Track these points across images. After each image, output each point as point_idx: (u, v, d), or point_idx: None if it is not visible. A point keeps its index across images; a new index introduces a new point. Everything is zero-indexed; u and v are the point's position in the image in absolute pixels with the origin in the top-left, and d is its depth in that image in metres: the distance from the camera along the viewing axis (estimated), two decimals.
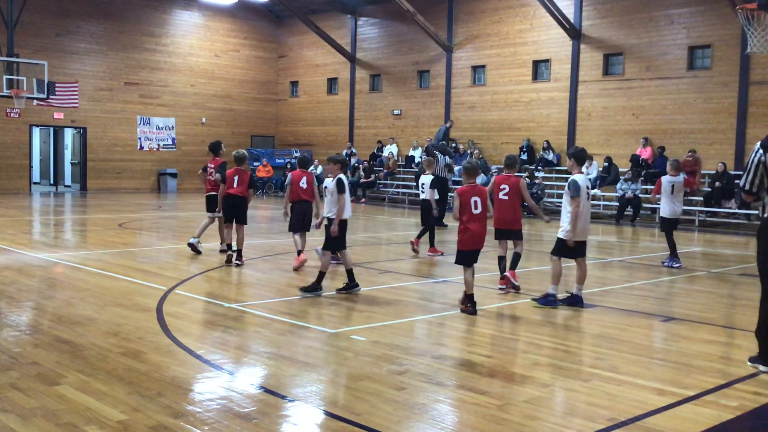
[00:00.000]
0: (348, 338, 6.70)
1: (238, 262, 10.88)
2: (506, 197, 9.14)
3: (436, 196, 12.76)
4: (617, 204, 20.43)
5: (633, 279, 10.42)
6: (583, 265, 8.37)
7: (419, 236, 12.47)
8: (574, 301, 8.29)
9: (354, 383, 5.34)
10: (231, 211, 11.09)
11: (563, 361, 6.18)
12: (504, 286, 9.20)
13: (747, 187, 5.97)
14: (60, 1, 27.52)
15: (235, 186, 11.03)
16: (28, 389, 5.05)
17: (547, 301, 8.24)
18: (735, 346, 7.05)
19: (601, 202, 21.38)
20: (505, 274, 9.23)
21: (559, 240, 8.30)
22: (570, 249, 8.26)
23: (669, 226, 11.77)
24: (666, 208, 11.70)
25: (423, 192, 12.71)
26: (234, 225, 11.09)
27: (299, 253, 10.69)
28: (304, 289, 8.63)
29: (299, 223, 10.79)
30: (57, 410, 4.65)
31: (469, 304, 7.89)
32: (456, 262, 8.11)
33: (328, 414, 4.77)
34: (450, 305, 8.26)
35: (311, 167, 12.48)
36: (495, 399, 5.06)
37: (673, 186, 11.64)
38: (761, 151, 5.88)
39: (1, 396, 4.91)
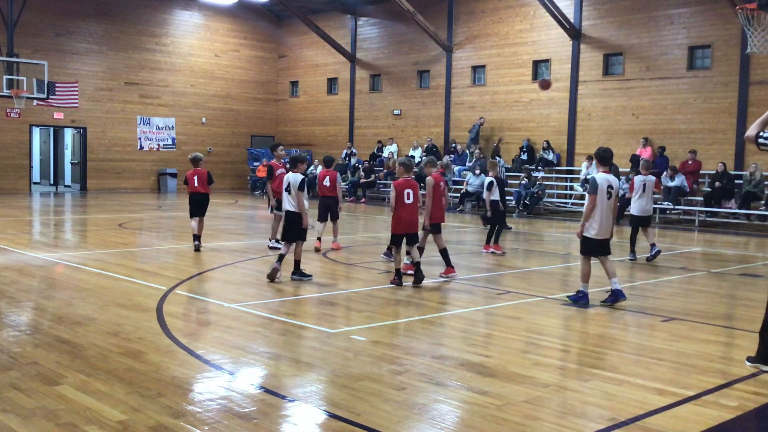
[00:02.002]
0: (348, 338, 6.70)
1: (197, 243, 12.26)
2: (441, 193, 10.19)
3: (493, 197, 12.73)
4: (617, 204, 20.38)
5: (633, 279, 10.42)
6: (607, 263, 8.36)
7: (496, 240, 12.59)
8: (616, 297, 8.28)
9: (354, 383, 5.34)
10: (196, 207, 12.36)
11: (563, 361, 6.19)
12: (449, 276, 9.93)
13: (762, 139, 5.78)
14: (60, 1, 27.51)
15: (196, 185, 12.35)
16: (28, 389, 5.05)
17: (577, 297, 8.31)
18: (735, 346, 7.05)
19: None
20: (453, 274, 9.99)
21: (584, 239, 8.34)
22: (596, 247, 8.28)
23: (638, 223, 12.19)
24: (636, 206, 12.11)
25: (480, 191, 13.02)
26: (200, 218, 12.40)
27: (318, 239, 12.49)
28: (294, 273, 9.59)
29: (324, 215, 12.68)
30: (57, 410, 4.65)
31: (396, 278, 9.26)
32: (390, 244, 9.49)
33: (328, 414, 4.77)
34: (450, 305, 8.26)
35: (333, 166, 13.14)
36: (495, 399, 5.06)
37: (644, 185, 12.07)
38: None
39: (1, 396, 4.91)
